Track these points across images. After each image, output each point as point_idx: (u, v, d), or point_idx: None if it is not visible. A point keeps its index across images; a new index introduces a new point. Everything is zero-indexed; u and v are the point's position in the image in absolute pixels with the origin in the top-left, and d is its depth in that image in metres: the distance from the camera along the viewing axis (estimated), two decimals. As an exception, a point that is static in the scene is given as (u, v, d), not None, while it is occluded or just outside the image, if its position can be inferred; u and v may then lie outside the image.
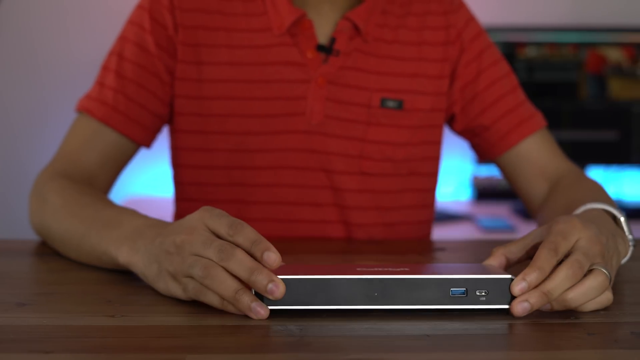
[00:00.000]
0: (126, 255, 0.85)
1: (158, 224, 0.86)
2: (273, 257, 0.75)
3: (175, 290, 0.79)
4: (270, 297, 0.73)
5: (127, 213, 0.92)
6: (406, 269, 0.78)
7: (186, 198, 1.19)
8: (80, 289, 0.86)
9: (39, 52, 2.40)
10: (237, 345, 0.69)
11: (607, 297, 0.79)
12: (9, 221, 2.36)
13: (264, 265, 0.75)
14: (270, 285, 0.73)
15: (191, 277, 0.76)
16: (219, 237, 0.77)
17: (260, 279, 0.73)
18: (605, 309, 0.80)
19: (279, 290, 0.73)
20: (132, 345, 0.69)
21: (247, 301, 0.74)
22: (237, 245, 0.76)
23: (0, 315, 0.76)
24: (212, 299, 0.76)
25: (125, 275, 0.90)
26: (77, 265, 0.94)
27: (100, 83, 1.16)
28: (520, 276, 0.76)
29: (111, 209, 0.95)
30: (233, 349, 0.68)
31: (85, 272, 0.91)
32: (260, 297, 0.75)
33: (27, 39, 2.40)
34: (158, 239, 0.81)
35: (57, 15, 2.40)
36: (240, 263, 0.74)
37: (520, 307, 0.75)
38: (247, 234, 0.76)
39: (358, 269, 0.78)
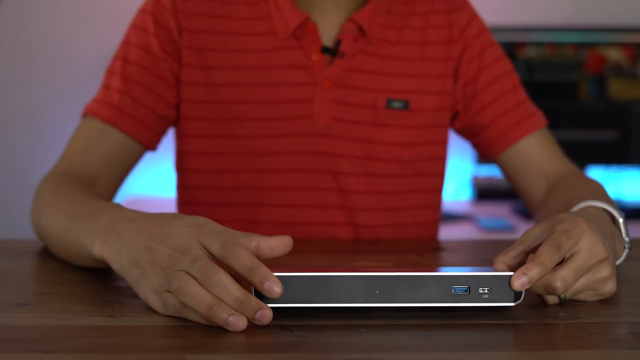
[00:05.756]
0: (99, 249, 0.82)
1: (135, 217, 0.81)
2: (274, 289, 0.72)
3: (155, 303, 0.75)
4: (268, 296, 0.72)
5: (108, 207, 0.88)
6: (408, 269, 0.78)
7: (192, 202, 1.19)
8: (80, 289, 0.86)
9: (38, 53, 2.40)
10: (237, 345, 0.69)
11: (609, 288, 0.81)
12: (9, 221, 2.36)
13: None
14: (258, 316, 0.71)
15: (171, 293, 0.74)
16: (212, 255, 0.75)
17: (249, 309, 0.71)
18: (606, 309, 0.80)
19: (268, 320, 0.71)
20: (132, 345, 0.69)
21: (222, 316, 0.70)
22: (232, 267, 0.73)
23: (0, 315, 0.76)
24: (194, 316, 0.73)
25: (125, 275, 0.90)
26: (77, 265, 0.94)
27: (105, 86, 1.15)
28: (521, 270, 0.75)
29: (95, 203, 0.92)
30: (233, 349, 0.68)
31: (85, 272, 0.91)
32: (259, 294, 0.74)
33: (26, 41, 2.40)
34: (141, 241, 0.77)
35: (56, 17, 2.40)
36: (227, 291, 0.71)
37: (518, 282, 0.75)
38: (242, 259, 0.73)
39: (359, 269, 0.78)
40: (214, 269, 0.72)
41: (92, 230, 0.85)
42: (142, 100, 1.14)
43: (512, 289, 0.75)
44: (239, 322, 0.71)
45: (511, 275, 0.75)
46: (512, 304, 0.76)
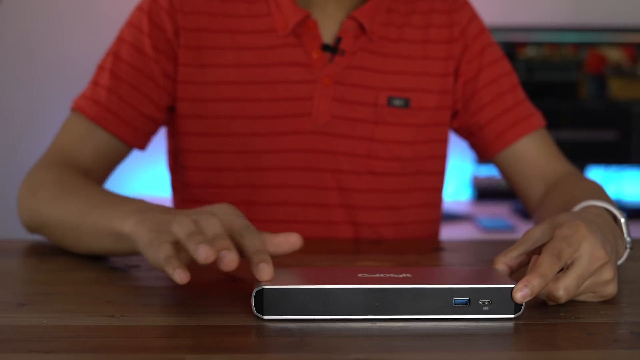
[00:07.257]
0: (131, 224, 0.84)
1: (168, 208, 0.87)
2: (265, 271, 0.75)
3: (146, 239, 0.81)
4: (222, 267, 0.74)
5: (138, 199, 0.93)
6: (408, 275, 0.78)
7: (191, 200, 1.19)
8: (80, 289, 0.86)
9: (38, 53, 2.40)
10: (237, 345, 0.69)
11: (610, 290, 0.81)
12: (9, 221, 2.36)
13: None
14: (222, 252, 0.74)
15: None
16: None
17: (219, 245, 0.75)
18: (606, 309, 0.80)
19: (229, 262, 0.74)
20: (132, 345, 0.69)
21: (197, 241, 0.74)
22: (243, 247, 0.78)
23: (0, 315, 0.76)
24: (157, 255, 0.77)
25: (125, 275, 0.90)
26: (77, 265, 0.94)
27: (94, 82, 1.16)
28: (522, 282, 0.75)
29: (121, 195, 0.96)
30: (233, 349, 0.68)
31: (85, 272, 0.91)
32: (260, 306, 0.74)
33: (26, 40, 2.40)
34: (167, 218, 0.81)
35: (56, 17, 2.40)
36: (213, 225, 0.77)
37: (520, 294, 0.75)
38: (254, 241, 0.78)
39: (359, 274, 0.78)
40: (214, 218, 0.78)
41: (125, 211, 0.88)
42: (129, 100, 1.14)
43: (514, 301, 0.75)
44: (206, 252, 0.73)
45: (512, 288, 0.75)
46: (512, 316, 0.75)
